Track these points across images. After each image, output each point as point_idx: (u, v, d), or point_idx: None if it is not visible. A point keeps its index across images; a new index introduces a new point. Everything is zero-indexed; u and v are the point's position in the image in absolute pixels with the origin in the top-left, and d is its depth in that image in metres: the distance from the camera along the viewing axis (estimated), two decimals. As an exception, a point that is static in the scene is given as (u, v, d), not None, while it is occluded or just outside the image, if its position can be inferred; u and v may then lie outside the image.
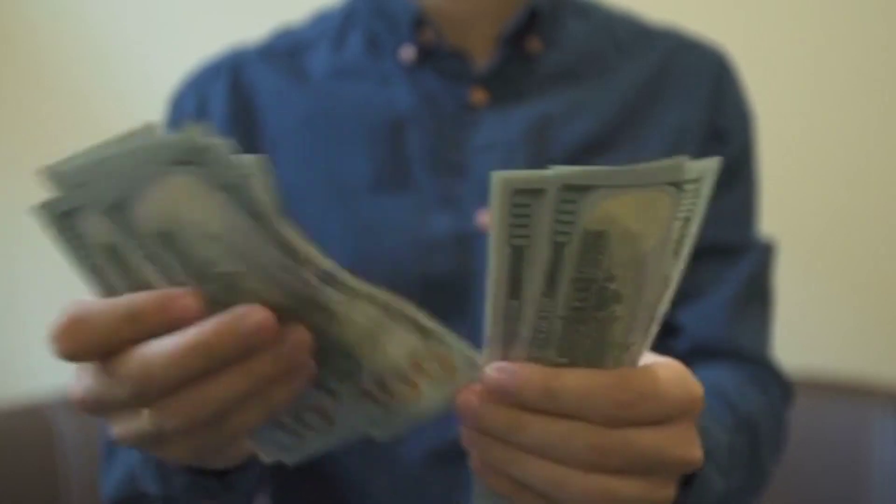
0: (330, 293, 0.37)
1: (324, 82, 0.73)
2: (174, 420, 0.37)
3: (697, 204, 0.36)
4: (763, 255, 0.74)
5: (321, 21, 0.77)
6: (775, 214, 0.89)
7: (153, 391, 0.36)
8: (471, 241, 0.67)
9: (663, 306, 0.39)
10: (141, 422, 0.38)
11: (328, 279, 0.37)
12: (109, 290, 0.39)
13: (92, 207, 0.36)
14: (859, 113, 1.33)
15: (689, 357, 0.70)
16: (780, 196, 1.01)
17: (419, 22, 0.70)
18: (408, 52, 0.71)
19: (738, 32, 1.05)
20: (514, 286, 0.37)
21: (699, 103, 0.74)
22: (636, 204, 0.34)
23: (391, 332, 0.39)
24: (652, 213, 0.35)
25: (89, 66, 1.27)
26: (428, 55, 0.71)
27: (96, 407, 0.38)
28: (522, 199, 0.34)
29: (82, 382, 0.38)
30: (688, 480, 0.47)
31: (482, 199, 0.67)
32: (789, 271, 0.86)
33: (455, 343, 0.39)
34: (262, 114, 0.72)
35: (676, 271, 0.38)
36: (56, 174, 0.36)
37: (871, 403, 1.12)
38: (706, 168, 0.35)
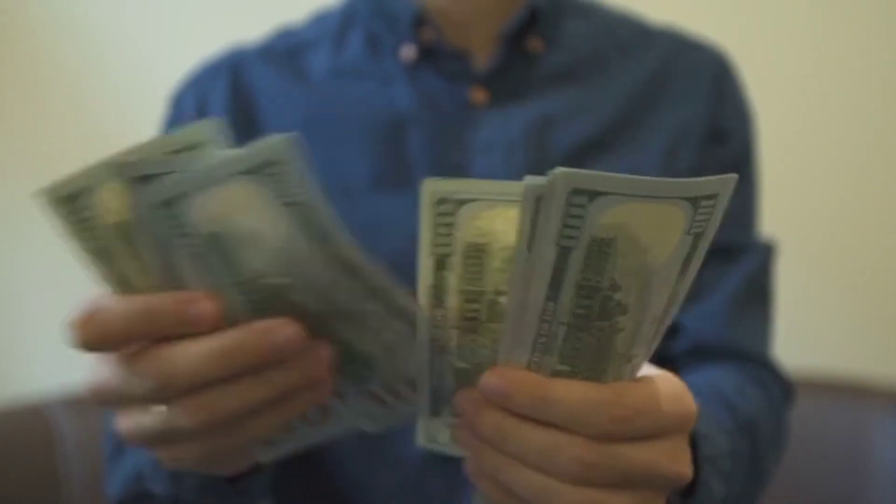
0: (371, 308, 0.38)
1: (324, 82, 0.73)
2: (190, 420, 0.37)
3: (711, 220, 0.35)
4: (763, 254, 0.74)
5: (321, 21, 0.77)
6: (775, 214, 0.89)
7: (174, 390, 0.37)
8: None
9: (668, 320, 0.39)
10: (153, 419, 0.38)
11: (377, 294, 0.37)
12: (116, 274, 0.39)
13: (103, 185, 0.36)
14: (860, 113, 1.32)
15: (689, 357, 0.70)
16: (780, 196, 1.01)
17: (420, 21, 0.70)
18: (408, 52, 0.71)
19: (738, 32, 1.05)
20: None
21: (699, 104, 0.74)
22: (648, 216, 0.34)
23: (411, 347, 0.39)
24: (663, 227, 0.34)
25: (89, 66, 1.27)
26: (428, 55, 0.71)
27: (112, 398, 0.39)
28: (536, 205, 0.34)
29: (100, 373, 0.38)
30: (689, 488, 0.47)
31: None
32: (789, 271, 0.86)
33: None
34: (262, 114, 0.72)
35: (684, 287, 0.38)
36: (119, 167, 0.36)
37: (871, 403, 1.12)
38: (724, 184, 0.35)
